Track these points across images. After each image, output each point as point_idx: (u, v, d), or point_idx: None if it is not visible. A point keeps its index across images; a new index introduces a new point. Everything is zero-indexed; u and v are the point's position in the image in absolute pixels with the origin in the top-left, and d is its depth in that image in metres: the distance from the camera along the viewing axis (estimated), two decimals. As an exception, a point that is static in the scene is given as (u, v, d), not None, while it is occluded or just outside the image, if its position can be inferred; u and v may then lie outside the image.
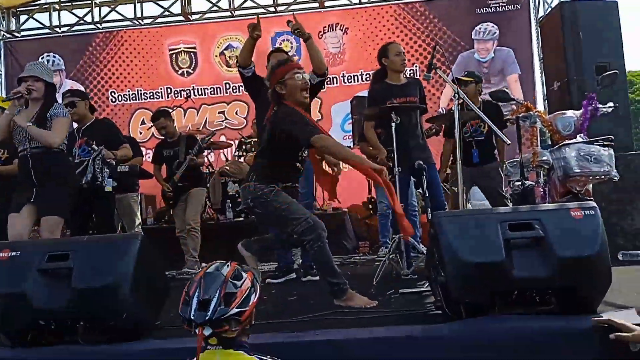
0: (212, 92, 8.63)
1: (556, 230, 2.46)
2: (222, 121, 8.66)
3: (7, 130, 3.67)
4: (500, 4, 8.26)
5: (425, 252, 4.07)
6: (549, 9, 7.73)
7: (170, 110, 6.40)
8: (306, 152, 3.37)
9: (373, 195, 7.04)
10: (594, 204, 2.56)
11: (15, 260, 2.53)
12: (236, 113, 8.61)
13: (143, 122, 8.50)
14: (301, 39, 4.17)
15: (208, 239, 6.03)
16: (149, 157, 6.34)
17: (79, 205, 4.28)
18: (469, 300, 2.49)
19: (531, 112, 3.90)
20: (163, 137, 5.79)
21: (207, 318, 1.77)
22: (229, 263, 1.94)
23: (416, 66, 8.30)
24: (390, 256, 3.92)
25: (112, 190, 4.34)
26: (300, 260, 4.62)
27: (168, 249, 5.84)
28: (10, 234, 3.60)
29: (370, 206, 7.04)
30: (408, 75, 3.88)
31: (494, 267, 2.41)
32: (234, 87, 8.55)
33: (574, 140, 3.65)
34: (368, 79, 8.53)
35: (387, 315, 2.83)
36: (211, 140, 5.80)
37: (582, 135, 3.76)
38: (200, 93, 8.63)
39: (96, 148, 4.17)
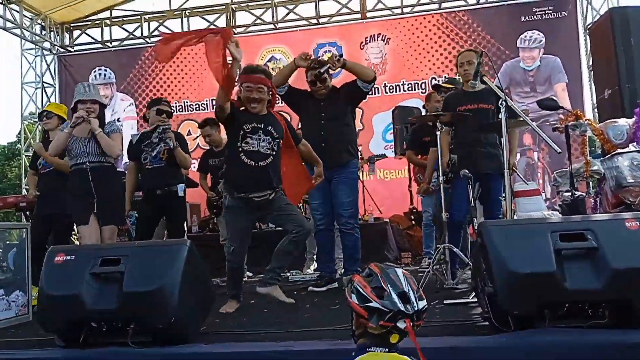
0: (256, 103, 8.76)
1: (610, 241, 2.38)
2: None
3: (65, 147, 4.00)
4: (547, 12, 8.11)
5: (470, 263, 4.01)
6: (597, 16, 7.54)
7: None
8: (248, 141, 3.52)
9: (415, 205, 6.97)
10: (650, 215, 2.47)
11: (70, 264, 2.62)
12: (279, 123, 8.71)
13: (189, 133, 8.69)
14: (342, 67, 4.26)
15: (250, 248, 6.08)
16: (194, 167, 6.48)
17: (149, 212, 4.56)
18: (517, 312, 2.43)
19: (581, 121, 3.79)
20: (209, 147, 5.91)
21: (416, 309, 1.75)
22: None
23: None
24: (435, 266, 3.86)
25: (184, 194, 4.62)
26: (343, 270, 4.61)
27: (212, 256, 5.94)
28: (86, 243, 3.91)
29: (412, 217, 6.96)
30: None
31: (545, 278, 2.35)
32: (277, 98, 8.65)
33: (626, 150, 3.52)
34: (410, 88, 8.51)
35: (432, 326, 2.79)
36: None
37: (635, 144, 3.63)
38: (244, 104, 8.78)
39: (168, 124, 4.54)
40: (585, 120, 3.78)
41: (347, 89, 4.36)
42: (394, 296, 1.76)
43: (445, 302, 3.37)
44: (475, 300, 3.32)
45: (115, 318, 2.56)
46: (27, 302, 3.75)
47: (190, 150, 8.23)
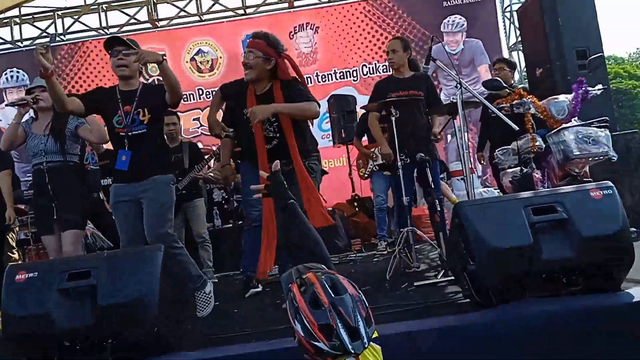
0: (185, 99, 8.47)
1: (578, 211, 2.50)
2: (198, 128, 8.55)
3: (15, 140, 3.68)
4: (467, -4, 8.43)
5: (431, 243, 4.12)
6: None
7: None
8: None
9: (357, 192, 7.03)
10: (611, 184, 2.61)
11: (33, 282, 2.41)
12: (212, 119, 8.50)
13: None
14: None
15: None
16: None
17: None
18: (499, 286, 2.51)
19: (524, 99, 3.95)
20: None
21: (366, 346, 1.63)
22: (335, 275, 1.75)
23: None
24: (399, 249, 3.92)
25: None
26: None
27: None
28: (52, 256, 3.65)
29: (356, 203, 7.03)
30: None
31: (523, 251, 2.44)
32: (207, 93, 8.43)
33: (571, 124, 3.71)
34: (342, 77, 8.57)
35: (413, 309, 2.82)
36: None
37: (576, 118, 3.83)
38: (173, 100, 8.46)
39: None
40: (529, 98, 3.95)
41: None
42: (343, 334, 1.59)
43: (415, 284, 3.43)
44: (444, 279, 3.43)
45: (91, 335, 2.39)
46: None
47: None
